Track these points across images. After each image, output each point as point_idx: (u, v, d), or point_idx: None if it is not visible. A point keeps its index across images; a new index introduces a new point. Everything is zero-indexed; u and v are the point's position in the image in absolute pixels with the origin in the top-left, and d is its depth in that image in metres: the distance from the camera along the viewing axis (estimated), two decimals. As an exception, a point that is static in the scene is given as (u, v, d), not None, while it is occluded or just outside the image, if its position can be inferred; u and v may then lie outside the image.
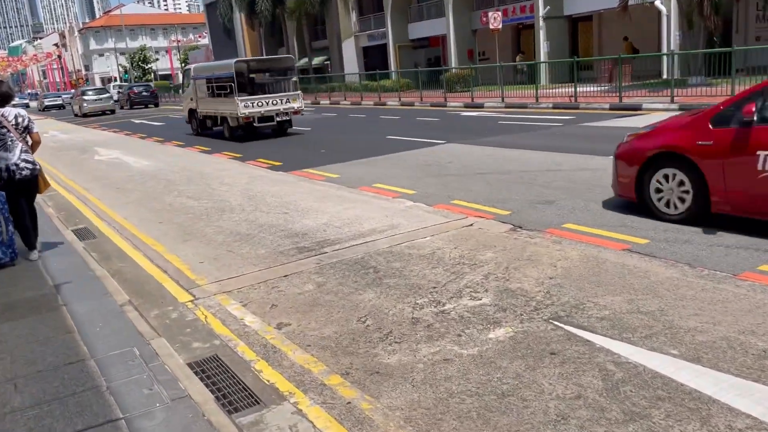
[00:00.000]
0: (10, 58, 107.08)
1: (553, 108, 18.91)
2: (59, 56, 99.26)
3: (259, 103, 17.27)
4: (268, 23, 45.51)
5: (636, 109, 16.43)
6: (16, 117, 6.20)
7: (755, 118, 5.47)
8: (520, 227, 6.54)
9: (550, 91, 21.30)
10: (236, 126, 17.81)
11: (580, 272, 5.06)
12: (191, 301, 5.29)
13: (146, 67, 76.62)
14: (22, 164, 6.19)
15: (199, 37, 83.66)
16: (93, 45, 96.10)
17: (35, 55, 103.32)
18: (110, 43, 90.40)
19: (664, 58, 21.03)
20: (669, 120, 7.03)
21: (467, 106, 21.75)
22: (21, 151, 6.19)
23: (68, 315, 4.83)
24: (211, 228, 7.67)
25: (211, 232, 7.49)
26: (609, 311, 4.30)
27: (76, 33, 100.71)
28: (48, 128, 28.69)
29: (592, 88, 19.60)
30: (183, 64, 62.75)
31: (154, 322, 4.83)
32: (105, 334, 4.44)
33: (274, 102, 17.54)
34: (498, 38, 25.04)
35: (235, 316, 4.89)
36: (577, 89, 19.05)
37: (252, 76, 19.34)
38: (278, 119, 17.61)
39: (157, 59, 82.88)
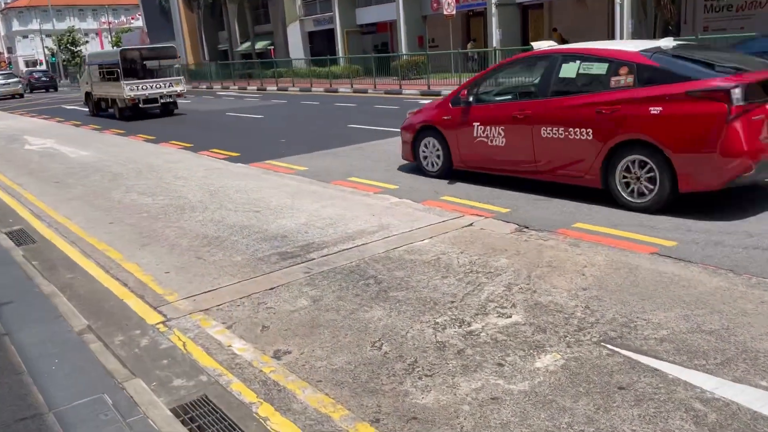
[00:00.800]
0: None
1: (513, 96, 18.49)
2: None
3: (143, 87, 19.67)
4: (208, 5, 43.56)
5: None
6: None
7: (471, 99, 7.43)
8: (527, 227, 5.95)
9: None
10: (124, 107, 19.86)
11: (615, 282, 4.50)
12: (162, 322, 4.46)
13: (75, 50, 72.27)
14: None
15: (132, 18, 79.62)
16: (16, 26, 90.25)
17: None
18: (35, 25, 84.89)
19: (619, 46, 20.98)
20: (433, 101, 8.74)
21: (424, 94, 21.11)
22: None
23: (13, 348, 3.91)
24: (171, 230, 6.77)
25: (172, 234, 6.59)
26: (667, 331, 3.74)
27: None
28: (-32, 114, 26.39)
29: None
30: (115, 48, 59.57)
31: (121, 352, 3.99)
32: (64, 374, 3.57)
33: (158, 86, 19.92)
34: (449, 25, 24.48)
35: (221, 342, 4.09)
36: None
37: (137, 62, 21.36)
38: (162, 101, 19.97)
39: (87, 42, 78.40)
